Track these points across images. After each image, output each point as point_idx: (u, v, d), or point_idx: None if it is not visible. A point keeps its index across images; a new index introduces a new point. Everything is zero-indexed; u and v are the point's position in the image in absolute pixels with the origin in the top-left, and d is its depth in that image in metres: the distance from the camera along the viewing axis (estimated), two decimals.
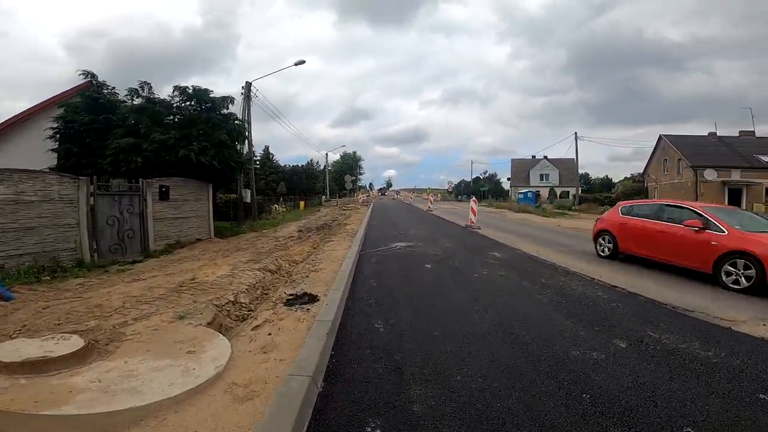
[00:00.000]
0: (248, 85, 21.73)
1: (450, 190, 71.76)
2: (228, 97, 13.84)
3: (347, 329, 4.17)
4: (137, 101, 12.78)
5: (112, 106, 12.81)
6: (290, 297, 5.21)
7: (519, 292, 5.75)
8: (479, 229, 14.93)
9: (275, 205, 30.13)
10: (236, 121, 14.39)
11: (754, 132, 32.89)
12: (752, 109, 60.42)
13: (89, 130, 12.25)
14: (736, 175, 28.62)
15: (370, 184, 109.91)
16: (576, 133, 41.16)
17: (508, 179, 68.29)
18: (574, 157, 39.93)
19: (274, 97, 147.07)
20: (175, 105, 12.83)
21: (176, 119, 12.41)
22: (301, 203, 37.98)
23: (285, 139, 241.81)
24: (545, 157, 63.87)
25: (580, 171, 63.64)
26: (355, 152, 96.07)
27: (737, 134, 33.27)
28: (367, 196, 72.33)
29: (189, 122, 12.11)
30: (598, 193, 51.21)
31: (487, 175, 78.81)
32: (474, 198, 15.68)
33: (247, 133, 17.29)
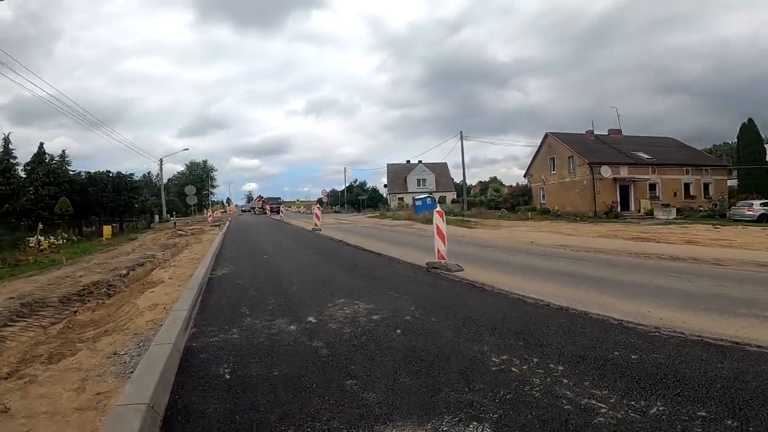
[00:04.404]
0: None
1: (325, 200, 63.57)
2: None
3: None
4: None
5: None
6: None
7: None
8: (461, 269, 7.10)
9: (35, 237, 16.80)
10: None
11: (620, 131, 34.43)
12: (560, 119, 69.86)
13: None
14: (624, 172, 28.33)
15: (228, 198, 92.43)
16: (461, 132, 38.02)
17: (385, 186, 63.95)
18: (456, 161, 36.48)
19: (104, 101, 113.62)
20: None
21: None
22: (106, 229, 24.25)
23: (118, 150, 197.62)
24: (420, 162, 61.54)
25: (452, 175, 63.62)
26: (206, 161, 78.12)
27: (606, 133, 34.40)
28: (223, 212, 58.41)
29: None
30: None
31: (357, 183, 73.43)
32: (439, 209, 7.78)
33: None
